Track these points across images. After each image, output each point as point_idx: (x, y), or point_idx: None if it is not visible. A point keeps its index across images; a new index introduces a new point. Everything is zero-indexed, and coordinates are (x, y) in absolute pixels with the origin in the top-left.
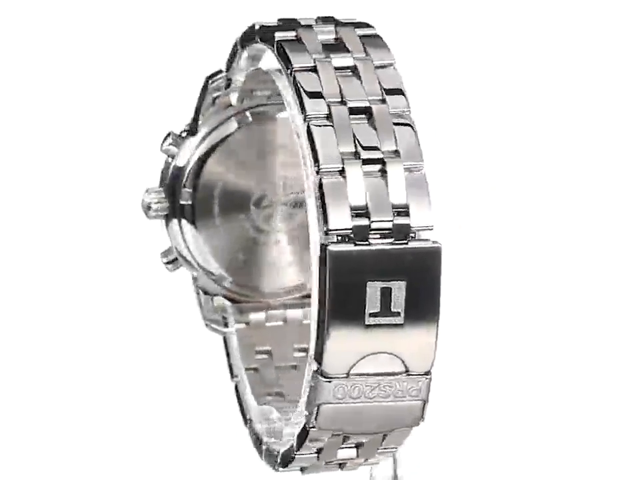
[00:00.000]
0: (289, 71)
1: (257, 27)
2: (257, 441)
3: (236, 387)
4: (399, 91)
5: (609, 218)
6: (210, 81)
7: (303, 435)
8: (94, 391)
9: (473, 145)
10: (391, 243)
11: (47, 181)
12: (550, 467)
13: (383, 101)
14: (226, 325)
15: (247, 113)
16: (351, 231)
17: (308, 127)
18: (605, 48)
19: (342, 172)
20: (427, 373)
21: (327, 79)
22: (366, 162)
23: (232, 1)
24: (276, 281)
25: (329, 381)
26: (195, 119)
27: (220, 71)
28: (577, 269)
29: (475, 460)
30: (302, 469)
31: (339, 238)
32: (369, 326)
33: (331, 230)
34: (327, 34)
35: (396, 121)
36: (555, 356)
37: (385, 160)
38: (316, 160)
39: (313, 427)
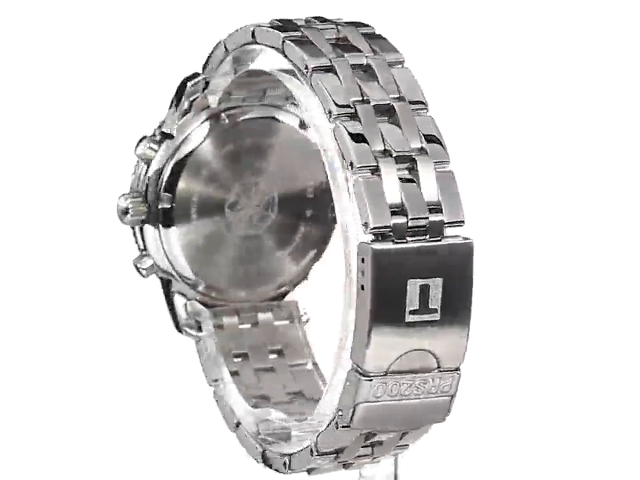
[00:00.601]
0: (306, 71)
1: (253, 29)
2: (251, 445)
3: (215, 392)
4: (415, 88)
5: (611, 220)
6: (189, 84)
7: (330, 435)
8: (68, 401)
9: (472, 144)
10: (427, 240)
11: (12, 185)
12: (551, 469)
13: (403, 99)
14: (200, 329)
15: (223, 115)
16: (390, 229)
17: (336, 126)
18: (605, 48)
19: (376, 170)
20: (457, 369)
21: (346, 78)
22: (397, 160)
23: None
24: (249, 284)
25: (370, 380)
26: (172, 122)
27: (197, 74)
28: (578, 269)
29: (475, 460)
30: (309, 470)
31: (377, 237)
32: (408, 323)
33: (373, 228)
34: (330, 33)
35: (418, 118)
36: (556, 355)
37: (415, 157)
38: (349, 159)
39: (346, 427)
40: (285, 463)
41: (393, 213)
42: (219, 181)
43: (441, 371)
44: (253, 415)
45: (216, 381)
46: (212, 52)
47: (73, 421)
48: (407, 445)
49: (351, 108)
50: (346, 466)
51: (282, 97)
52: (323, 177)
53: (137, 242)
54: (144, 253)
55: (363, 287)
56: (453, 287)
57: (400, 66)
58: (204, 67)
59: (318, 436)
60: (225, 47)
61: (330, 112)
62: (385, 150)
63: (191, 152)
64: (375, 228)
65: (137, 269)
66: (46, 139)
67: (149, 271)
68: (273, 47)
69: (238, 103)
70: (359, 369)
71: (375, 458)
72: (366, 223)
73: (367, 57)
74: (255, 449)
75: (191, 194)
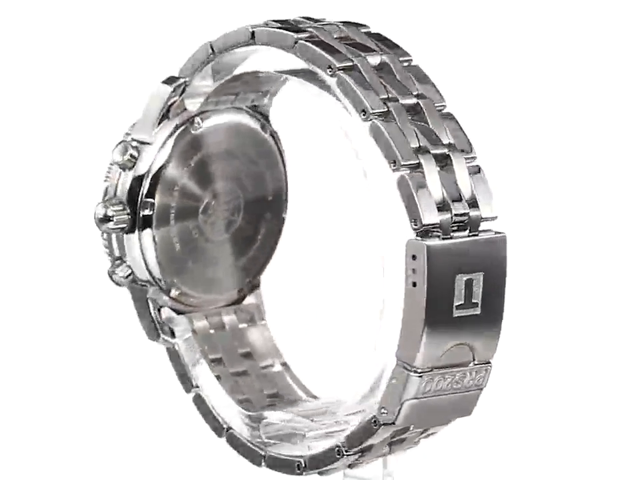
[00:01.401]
0: (330, 72)
1: (252, 30)
2: (247, 448)
3: (196, 399)
4: (432, 85)
5: (613, 221)
6: (171, 88)
7: (367, 434)
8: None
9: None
10: (468, 236)
11: None
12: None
13: (424, 96)
14: (173, 336)
15: (198, 119)
16: (438, 225)
17: (373, 124)
18: (604, 49)
19: (417, 167)
20: (489, 362)
21: (371, 77)
22: (435, 156)
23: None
24: (217, 288)
25: (420, 376)
26: (150, 126)
27: (175, 77)
28: (578, 269)
29: (470, 460)
30: (323, 471)
31: (421, 233)
32: (455, 318)
33: (424, 225)
34: (337, 33)
35: (440, 114)
36: (558, 356)
37: (448, 153)
38: (392, 156)
39: (389, 424)
40: (299, 465)
41: (438, 209)
42: (194, 186)
43: (476, 364)
44: (248, 418)
45: (196, 387)
46: (194, 54)
47: (55, 431)
48: (419, 441)
49: (384, 106)
50: (351, 466)
51: (248, 99)
52: (282, 179)
53: (111, 251)
54: (119, 261)
55: (414, 284)
56: (491, 280)
57: (408, 64)
58: (182, 70)
59: (347, 436)
60: (212, 49)
61: (364, 111)
62: (419, 147)
63: (171, 157)
64: (426, 225)
65: (112, 278)
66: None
67: (126, 279)
68: (281, 48)
69: (212, 107)
70: (407, 365)
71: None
72: (415, 219)
73: (380, 55)
74: (254, 452)
75: (170, 199)
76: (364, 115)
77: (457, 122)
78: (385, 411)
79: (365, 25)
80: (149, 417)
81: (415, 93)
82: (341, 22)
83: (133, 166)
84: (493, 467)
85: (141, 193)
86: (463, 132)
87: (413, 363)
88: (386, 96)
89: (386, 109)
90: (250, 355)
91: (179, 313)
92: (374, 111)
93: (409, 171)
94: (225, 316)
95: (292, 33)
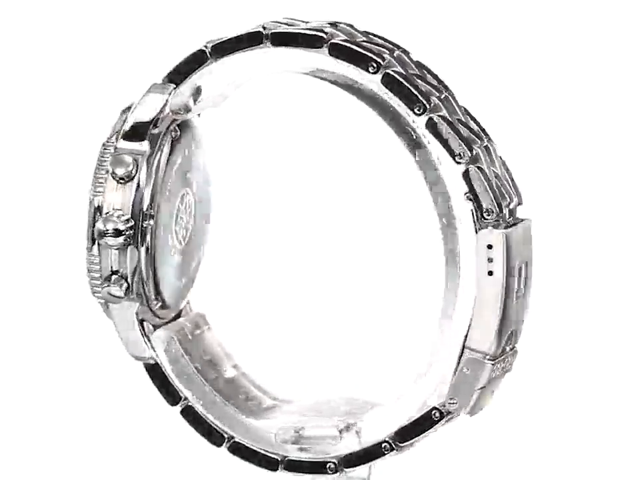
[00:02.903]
0: (373, 70)
1: (266, 32)
2: (257, 454)
3: (185, 411)
4: (444, 78)
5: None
6: (165, 95)
7: (425, 426)
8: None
9: None
10: (514, 224)
11: None
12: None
13: (443, 90)
14: (154, 349)
15: (175, 126)
16: (502, 214)
17: (431, 119)
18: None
19: (476, 159)
20: (515, 347)
21: (409, 74)
22: (483, 148)
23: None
24: (180, 298)
25: (493, 364)
26: (143, 136)
27: (167, 84)
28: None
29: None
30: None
31: (492, 224)
32: (514, 304)
33: (498, 215)
34: (344, 32)
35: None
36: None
37: (487, 144)
38: (457, 149)
39: (452, 414)
40: (330, 466)
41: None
42: (175, 194)
43: (511, 349)
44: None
45: (184, 399)
46: (188, 57)
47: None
48: None
49: (432, 101)
50: None
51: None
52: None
53: (104, 266)
54: (115, 276)
55: (490, 273)
56: (529, 265)
57: (412, 58)
58: (172, 74)
59: (398, 431)
60: (210, 52)
61: (419, 106)
62: (465, 138)
63: (160, 164)
64: (499, 215)
65: (102, 294)
66: None
67: (124, 296)
68: (306, 49)
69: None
70: (482, 354)
71: None
72: (488, 210)
73: (395, 52)
74: (267, 457)
75: (161, 209)
76: (419, 109)
77: (472, 114)
78: (455, 401)
79: (354, 26)
80: (130, 437)
81: (437, 85)
82: (336, 22)
83: (132, 178)
84: (469, 464)
85: (142, 205)
86: (481, 124)
87: (488, 351)
88: (424, 90)
89: (434, 104)
90: (211, 361)
91: (155, 327)
92: (430, 107)
93: (473, 161)
94: (184, 326)
95: (321, 33)
